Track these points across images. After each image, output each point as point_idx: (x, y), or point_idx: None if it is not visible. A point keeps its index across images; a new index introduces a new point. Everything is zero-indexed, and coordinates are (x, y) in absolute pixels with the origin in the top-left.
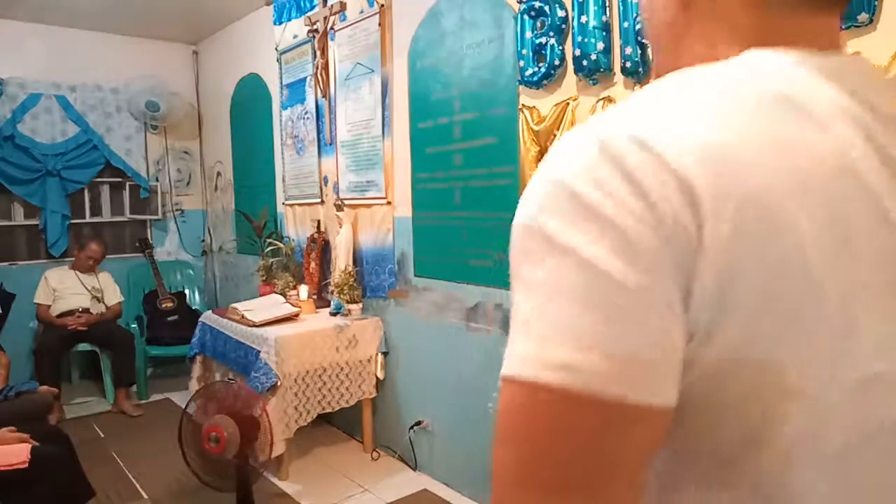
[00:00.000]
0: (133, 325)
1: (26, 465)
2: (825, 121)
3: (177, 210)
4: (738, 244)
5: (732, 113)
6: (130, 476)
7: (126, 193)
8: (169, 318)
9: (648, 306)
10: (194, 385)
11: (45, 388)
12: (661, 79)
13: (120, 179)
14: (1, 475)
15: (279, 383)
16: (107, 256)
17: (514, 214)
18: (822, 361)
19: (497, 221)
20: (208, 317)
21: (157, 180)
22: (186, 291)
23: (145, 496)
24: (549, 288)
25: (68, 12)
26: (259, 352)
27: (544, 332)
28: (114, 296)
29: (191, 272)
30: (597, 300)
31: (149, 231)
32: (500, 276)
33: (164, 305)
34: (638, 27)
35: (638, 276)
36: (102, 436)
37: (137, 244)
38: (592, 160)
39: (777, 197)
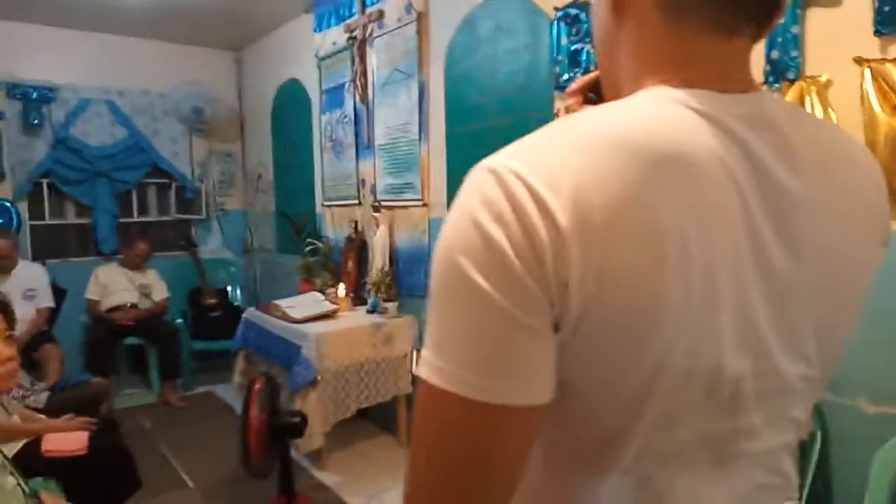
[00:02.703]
0: (178, 321)
1: (85, 452)
2: (699, 170)
3: (220, 210)
4: (595, 267)
5: (608, 158)
6: (176, 465)
7: (172, 194)
8: (212, 314)
9: (517, 326)
10: (237, 378)
11: (97, 379)
12: (570, 117)
13: (166, 180)
14: (59, 461)
15: (319, 378)
16: (153, 254)
17: None
18: (671, 368)
19: None
20: (251, 313)
21: (201, 181)
22: (228, 288)
23: (191, 485)
24: (448, 301)
25: (118, 20)
26: (300, 347)
27: (438, 338)
28: (160, 292)
29: (233, 270)
30: (481, 319)
31: (193, 230)
32: None
33: (207, 302)
34: None
35: (511, 303)
36: (149, 427)
37: (182, 243)
38: (489, 188)
39: (633, 227)
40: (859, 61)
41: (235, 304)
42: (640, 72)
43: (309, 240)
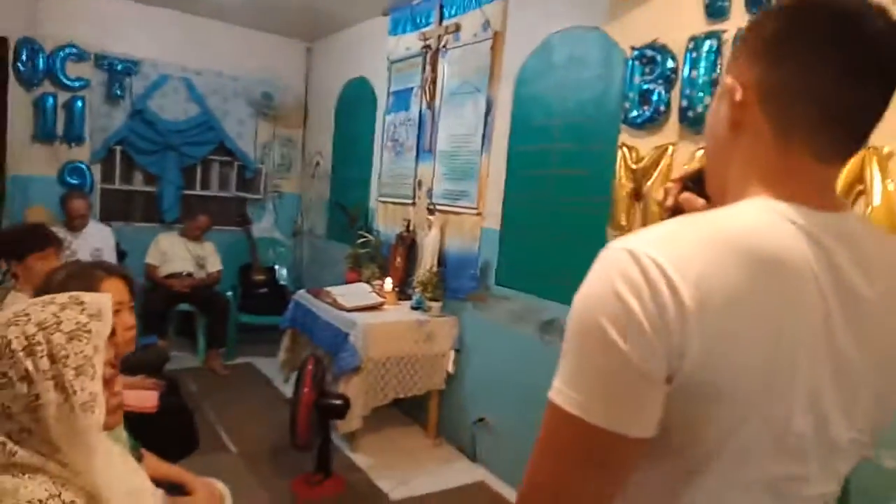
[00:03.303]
0: (229, 293)
1: (155, 409)
2: (792, 272)
3: (275, 192)
4: (707, 340)
5: (722, 255)
6: (220, 430)
7: (234, 172)
8: (259, 290)
9: (640, 377)
10: (282, 355)
11: (161, 342)
12: (691, 216)
13: (229, 159)
14: (134, 416)
15: (363, 365)
16: (211, 227)
17: (600, 242)
18: (753, 421)
19: (582, 246)
20: (302, 295)
21: (261, 163)
22: (276, 267)
23: (233, 449)
24: (584, 348)
25: (202, 2)
26: (348, 334)
27: (571, 375)
28: (215, 264)
29: (281, 250)
30: (609, 367)
31: (249, 208)
32: None
33: (256, 278)
34: None
35: (638, 359)
36: (194, 389)
37: (238, 219)
38: (629, 267)
39: (739, 314)
40: None
41: (282, 283)
42: (748, 180)
43: (361, 231)
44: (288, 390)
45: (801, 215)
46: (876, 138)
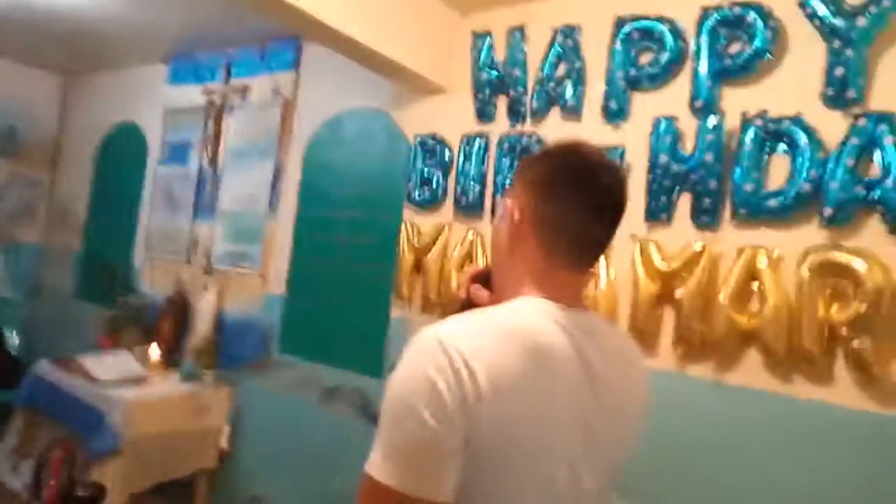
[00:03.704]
0: None
1: None
2: (555, 359)
3: (9, 242)
4: (495, 415)
5: (508, 346)
6: None
7: None
8: None
9: (444, 449)
10: (13, 440)
11: None
12: (483, 311)
13: None
14: None
15: (122, 448)
16: None
17: (384, 310)
18: (528, 482)
19: (368, 313)
20: (43, 367)
21: None
22: (5, 332)
23: None
24: (398, 425)
25: None
26: (105, 414)
27: (387, 449)
28: None
29: (10, 311)
30: (420, 441)
31: None
32: (362, 364)
33: None
34: (507, 182)
35: (443, 432)
36: None
37: None
38: (438, 354)
39: (520, 393)
40: (633, 237)
41: (11, 351)
42: (522, 281)
43: (122, 291)
44: (17, 482)
45: (561, 314)
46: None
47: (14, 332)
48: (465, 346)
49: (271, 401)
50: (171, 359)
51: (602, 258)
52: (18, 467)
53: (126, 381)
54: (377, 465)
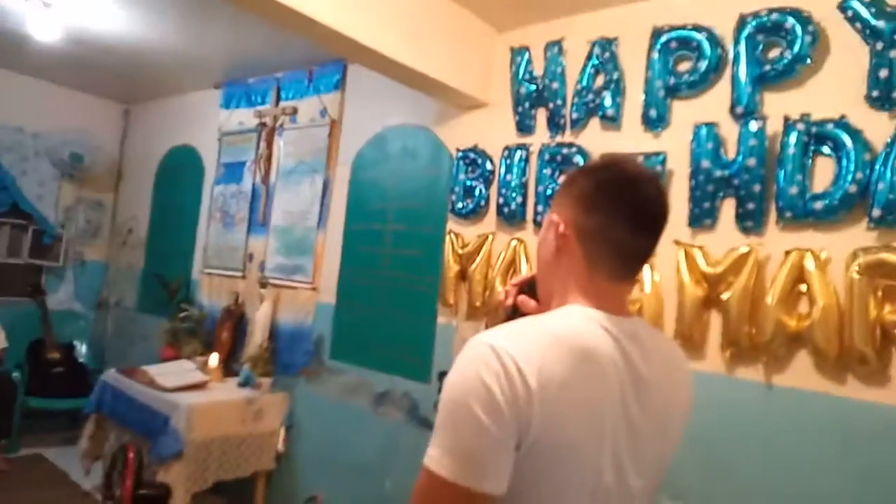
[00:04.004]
0: (15, 374)
1: None
2: (600, 362)
3: (77, 260)
4: (546, 415)
5: (556, 351)
6: None
7: (28, 237)
8: (54, 370)
9: (498, 445)
10: (84, 443)
11: None
12: (532, 318)
13: (24, 222)
14: None
15: (185, 450)
16: None
17: (431, 318)
18: (576, 478)
19: (414, 321)
20: (112, 376)
21: (63, 227)
22: (76, 344)
23: None
24: (455, 423)
25: (5, 54)
26: (169, 418)
27: (445, 445)
28: None
29: (82, 324)
30: (476, 438)
31: (43, 277)
32: (410, 369)
33: (50, 356)
34: (549, 192)
35: (497, 430)
36: None
37: (30, 289)
38: (491, 359)
39: (568, 395)
40: (677, 243)
41: (81, 361)
42: (568, 291)
43: (182, 304)
44: (89, 483)
45: (606, 320)
46: None
47: (84, 343)
48: (516, 352)
49: (324, 405)
50: (229, 367)
51: (647, 265)
52: (89, 470)
53: (188, 388)
54: (435, 460)
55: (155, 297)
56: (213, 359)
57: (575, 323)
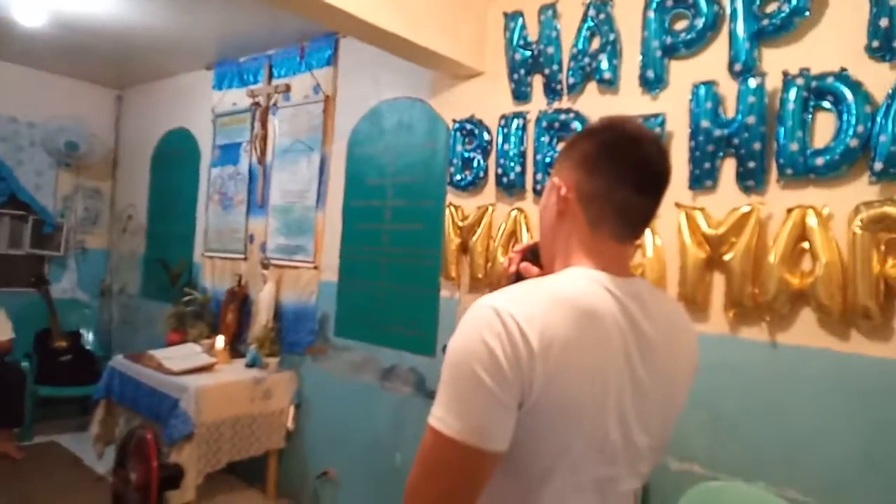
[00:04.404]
0: (24, 363)
1: None
2: (604, 321)
3: (79, 248)
4: (549, 374)
5: (558, 311)
6: None
7: (28, 227)
8: (62, 358)
9: (500, 405)
10: (95, 429)
11: None
12: (534, 281)
13: (23, 213)
14: None
15: (196, 431)
16: None
17: (433, 292)
18: (582, 435)
19: (417, 295)
20: (119, 361)
21: (62, 217)
22: (82, 331)
23: None
24: (458, 384)
25: None
26: (178, 400)
27: (448, 405)
28: (4, 331)
29: (87, 312)
30: (478, 398)
31: (46, 267)
32: (415, 343)
33: (57, 344)
34: (547, 160)
35: (499, 390)
36: None
37: (33, 280)
38: (493, 321)
39: (571, 354)
40: (678, 205)
41: (87, 348)
42: (570, 254)
43: (186, 288)
44: (102, 468)
45: (609, 281)
46: None
47: (90, 331)
48: (518, 313)
49: (331, 382)
50: (235, 349)
51: (649, 228)
52: (102, 454)
53: (195, 371)
54: (439, 419)
55: (158, 282)
56: (220, 341)
57: (577, 284)
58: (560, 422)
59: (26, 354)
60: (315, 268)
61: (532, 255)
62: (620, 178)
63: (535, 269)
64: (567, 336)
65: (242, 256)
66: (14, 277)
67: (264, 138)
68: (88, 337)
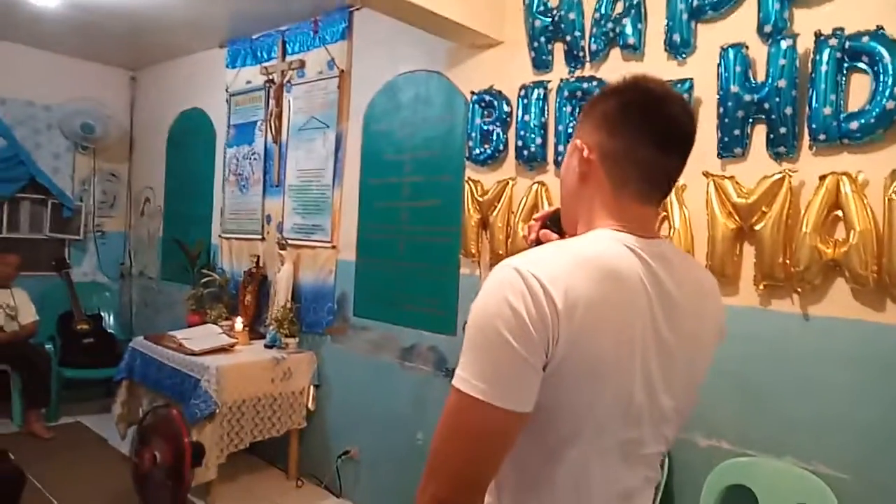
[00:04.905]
0: (48, 346)
1: None
2: (628, 281)
3: (98, 231)
4: (573, 334)
5: (582, 271)
6: (54, 501)
7: (48, 211)
8: (84, 341)
9: (525, 365)
10: (118, 409)
11: None
12: (557, 242)
13: (43, 196)
14: None
15: (217, 411)
16: (21, 273)
17: (453, 269)
18: (607, 397)
19: (437, 273)
20: (140, 342)
21: (81, 200)
22: (103, 314)
23: None
24: (483, 345)
25: (8, 26)
26: (199, 380)
27: (473, 367)
28: (28, 314)
29: (107, 295)
30: (503, 358)
31: (67, 251)
32: (435, 322)
33: (79, 327)
34: (570, 131)
35: (524, 350)
36: (13, 458)
37: (54, 263)
38: (516, 281)
39: (595, 314)
40: (706, 174)
41: (109, 331)
42: (593, 216)
43: (204, 270)
44: (127, 447)
45: (633, 242)
46: None
47: (110, 314)
48: (541, 273)
49: (352, 362)
50: (255, 329)
51: (675, 199)
52: (125, 434)
53: (216, 351)
54: (464, 380)
55: (177, 264)
56: (238, 322)
57: (601, 244)
58: (585, 383)
59: (50, 337)
60: (333, 247)
61: (552, 222)
62: (644, 137)
63: (554, 236)
64: (591, 296)
65: (260, 237)
66: (35, 261)
67: (279, 116)
68: (109, 319)
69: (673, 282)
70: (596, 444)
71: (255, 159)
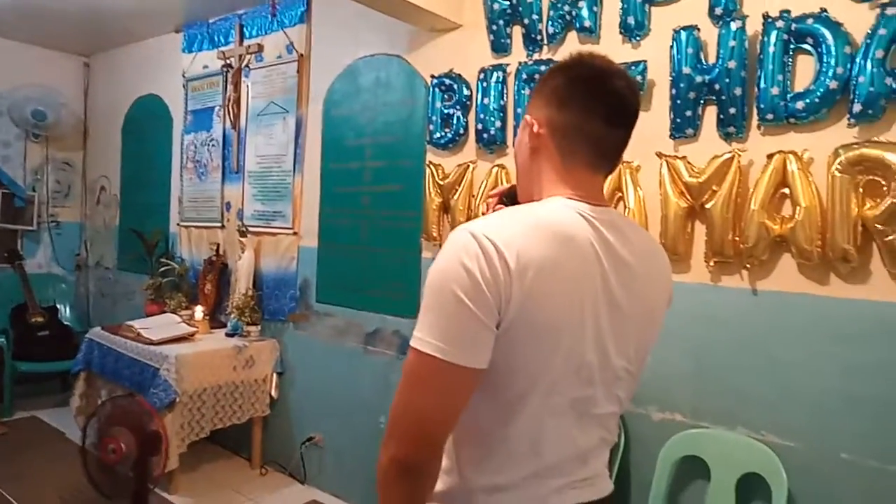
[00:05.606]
0: (0, 340)
1: None
2: (580, 245)
3: (52, 222)
4: (525, 293)
5: (535, 235)
6: (11, 499)
7: None
8: (39, 333)
9: (479, 323)
10: (76, 401)
11: None
12: (512, 208)
13: None
14: None
15: (178, 400)
16: None
17: (415, 253)
18: (559, 355)
19: (399, 257)
20: (97, 333)
21: (33, 190)
22: (59, 306)
23: None
24: (439, 306)
25: None
26: (158, 369)
27: (430, 326)
28: None
29: (63, 286)
30: (457, 318)
31: (19, 242)
32: (398, 306)
33: (33, 320)
34: None
35: (478, 309)
36: None
37: (6, 255)
38: (471, 244)
39: (547, 276)
40: (659, 155)
41: (65, 323)
42: (546, 187)
43: (162, 259)
44: (85, 440)
45: (585, 209)
46: (628, 156)
47: (66, 306)
48: (495, 236)
49: (315, 348)
50: (215, 318)
51: (630, 180)
52: (85, 427)
53: (175, 340)
54: (422, 340)
55: (134, 254)
56: (198, 311)
57: (554, 210)
58: (537, 342)
59: (2, 330)
60: (294, 233)
61: (509, 198)
62: (591, 111)
63: None
64: (543, 258)
65: (219, 225)
66: None
67: (237, 101)
68: (65, 311)
69: (623, 246)
70: (548, 402)
71: (213, 146)
